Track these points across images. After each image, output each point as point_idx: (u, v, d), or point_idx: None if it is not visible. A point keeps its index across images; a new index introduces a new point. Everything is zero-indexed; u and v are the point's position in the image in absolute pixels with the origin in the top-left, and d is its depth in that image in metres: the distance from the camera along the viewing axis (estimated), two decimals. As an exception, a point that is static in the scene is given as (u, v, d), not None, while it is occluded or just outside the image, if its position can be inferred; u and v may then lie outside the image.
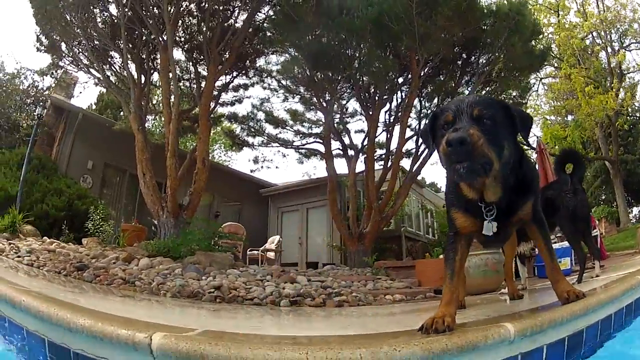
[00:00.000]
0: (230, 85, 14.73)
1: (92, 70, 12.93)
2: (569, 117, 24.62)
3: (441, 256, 10.82)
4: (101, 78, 12.69)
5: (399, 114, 13.51)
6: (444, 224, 13.79)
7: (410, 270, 10.54)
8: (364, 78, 13.52)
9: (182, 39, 13.36)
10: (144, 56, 12.63)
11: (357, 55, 12.82)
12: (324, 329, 3.64)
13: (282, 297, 5.81)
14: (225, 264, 8.09)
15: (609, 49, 23.24)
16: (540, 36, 15.36)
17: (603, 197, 32.07)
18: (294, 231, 18.39)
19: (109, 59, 12.97)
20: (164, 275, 6.47)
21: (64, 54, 13.08)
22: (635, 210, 32.46)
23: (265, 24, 13.23)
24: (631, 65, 24.45)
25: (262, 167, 17.18)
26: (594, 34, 23.34)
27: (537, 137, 19.82)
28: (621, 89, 22.44)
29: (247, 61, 14.38)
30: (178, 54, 13.49)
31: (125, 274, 6.44)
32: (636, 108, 25.84)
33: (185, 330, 2.28)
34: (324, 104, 13.96)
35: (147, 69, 12.72)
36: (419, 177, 17.15)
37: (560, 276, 2.88)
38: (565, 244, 7.80)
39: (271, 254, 14.82)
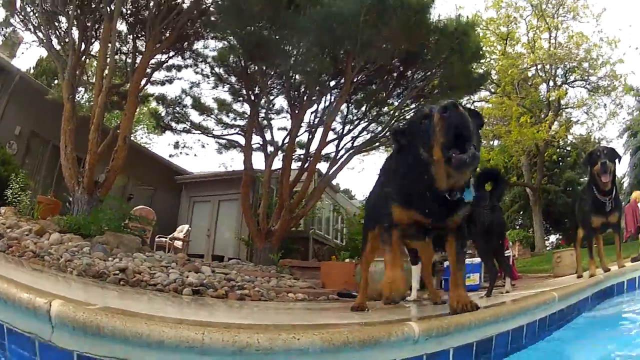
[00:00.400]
0: (164, 65, 14.21)
1: (38, 32, 12.26)
2: (495, 142, 25.10)
3: (347, 260, 10.71)
4: (44, 40, 12.06)
5: (325, 116, 13.26)
6: (353, 230, 13.74)
7: (315, 271, 10.71)
8: (297, 76, 13.24)
9: (129, 12, 12.78)
10: (89, 24, 12.06)
11: (295, 52, 12.45)
12: (224, 318, 3.57)
13: (185, 285, 5.77)
14: (133, 247, 7.93)
15: (551, 83, 23.75)
16: (482, 60, 15.47)
17: (520, 222, 33.46)
18: (204, 222, 17.97)
19: (56, 23, 12.23)
20: (72, 253, 6.22)
21: (17, 11, 12.35)
22: (552, 237, 33.80)
23: (211, 8, 12.64)
24: (571, 101, 25.09)
25: (181, 152, 16.62)
26: (539, 66, 23.69)
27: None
28: (556, 122, 22.98)
29: (186, 43, 13.87)
30: (121, 27, 12.92)
31: (36, 247, 6.19)
32: (568, 142, 26.67)
33: (86, 305, 2.14)
34: (252, 97, 13.62)
35: (89, 38, 12.18)
36: (334, 182, 16.99)
37: (460, 283, 3.03)
38: (476, 259, 8.11)
39: (179, 243, 14.58)
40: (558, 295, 3.56)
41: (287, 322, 3.49)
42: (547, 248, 25.80)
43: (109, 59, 10.92)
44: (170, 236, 14.08)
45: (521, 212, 31.45)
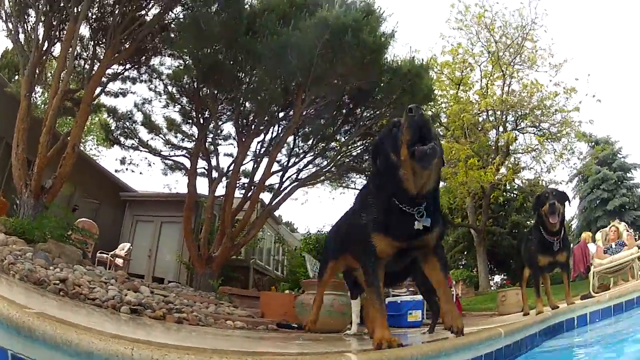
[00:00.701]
0: (120, 76, 14.03)
1: (9, 22, 11.93)
2: (440, 184, 25.33)
3: (287, 291, 10.59)
4: (12, 32, 11.80)
5: (271, 147, 13.22)
6: (294, 263, 13.67)
7: (254, 300, 10.75)
8: (247, 104, 13.20)
9: (94, 16, 12.59)
10: (54, 22, 11.82)
11: (248, 80, 12.49)
12: (161, 338, 3.53)
13: (123, 303, 5.66)
14: (74, 258, 7.86)
15: (501, 128, 24.09)
16: (432, 102, 15.62)
17: (463, 262, 34.04)
18: (146, 242, 17.63)
19: (26, 16, 11.98)
20: (15, 256, 6.16)
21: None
22: (497, 277, 34.31)
23: (172, 25, 12.64)
24: (520, 147, 25.49)
25: (127, 169, 16.22)
26: (490, 112, 24.09)
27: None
28: (503, 166, 23.25)
29: (144, 57, 13.72)
30: (85, 31, 12.70)
31: (-20, 245, 6.05)
32: (515, 186, 27.06)
33: (23, 306, 2.15)
34: (201, 120, 13.45)
35: (52, 37, 11.91)
36: (277, 214, 16.88)
37: (454, 310, 3.19)
38: (418, 297, 8.20)
39: (119, 261, 14.43)
40: (504, 331, 3.54)
41: (224, 347, 3.39)
42: (492, 288, 26.12)
43: (68, 62, 10.82)
44: (112, 253, 13.90)
45: (465, 252, 32.00)
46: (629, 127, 75.90)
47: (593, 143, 30.05)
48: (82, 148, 27.09)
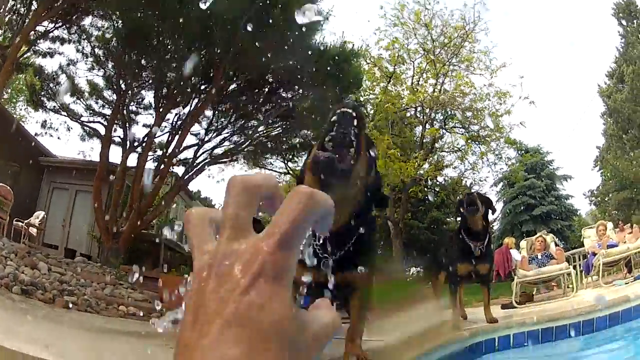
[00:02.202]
0: (50, 35, 13.69)
1: None
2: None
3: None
4: None
5: (188, 120, 12.92)
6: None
7: (156, 282, 9.90)
8: (170, 74, 12.86)
9: None
10: None
11: (171, 48, 12.14)
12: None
13: (17, 282, 5.57)
14: None
15: (428, 126, 24.12)
16: (358, 90, 15.60)
17: (379, 252, 33.74)
18: (61, 211, 16.88)
19: None
20: None
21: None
22: (413, 269, 34.79)
23: None
24: (446, 145, 25.80)
25: (46, 132, 15.79)
26: (418, 108, 24.24)
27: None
28: (426, 162, 23.43)
29: (75, 15, 13.30)
30: None
31: None
32: (437, 183, 27.37)
33: None
34: (123, 86, 13.10)
35: None
36: (195, 190, 16.62)
37: (357, 337, 2.91)
38: None
39: (34, 230, 13.62)
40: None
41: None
42: (408, 280, 26.50)
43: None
44: (26, 221, 13.20)
45: (381, 243, 32.40)
46: (561, 138, 78.63)
47: (522, 151, 30.71)
48: (11, 109, 26.30)
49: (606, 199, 33.92)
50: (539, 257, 9.53)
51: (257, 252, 0.40)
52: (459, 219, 6.18)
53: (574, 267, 9.82)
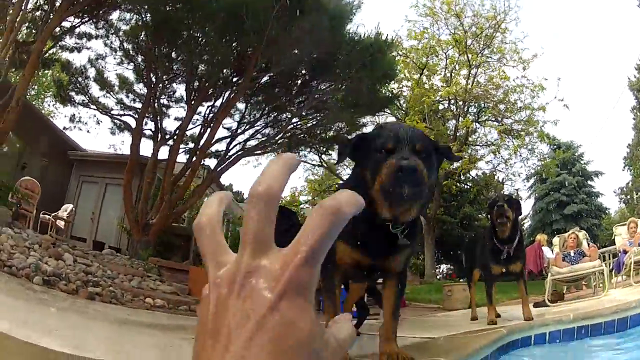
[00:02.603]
0: (76, 30, 13.63)
1: None
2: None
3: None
4: None
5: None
6: (235, 235, 13.33)
7: (185, 274, 10.07)
8: (201, 67, 12.71)
9: None
10: None
11: (201, 39, 11.96)
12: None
13: (38, 272, 5.46)
14: (3, 220, 7.59)
15: (461, 119, 23.63)
16: (392, 81, 15.33)
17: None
18: (90, 205, 16.97)
19: None
20: None
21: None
22: (443, 266, 34.43)
23: None
24: (479, 139, 25.50)
25: (75, 126, 15.91)
26: (452, 101, 23.94)
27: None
28: (460, 155, 22.99)
29: (102, 10, 13.16)
30: None
31: None
32: (469, 178, 27.01)
33: None
34: (153, 79, 12.94)
35: None
36: (227, 183, 16.51)
37: (393, 337, 2.82)
38: None
39: (61, 223, 13.85)
40: None
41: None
42: (438, 277, 26.12)
43: (21, 12, 10.61)
44: (53, 214, 13.32)
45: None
46: (592, 133, 77.54)
47: (555, 146, 30.20)
48: (39, 105, 26.57)
49: (635, 197, 33.30)
50: (572, 254, 9.28)
51: (283, 268, 0.40)
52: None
53: (605, 266, 9.47)
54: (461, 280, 15.36)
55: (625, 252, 9.72)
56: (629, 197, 34.26)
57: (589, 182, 33.95)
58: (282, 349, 0.37)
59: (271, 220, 0.42)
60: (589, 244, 9.75)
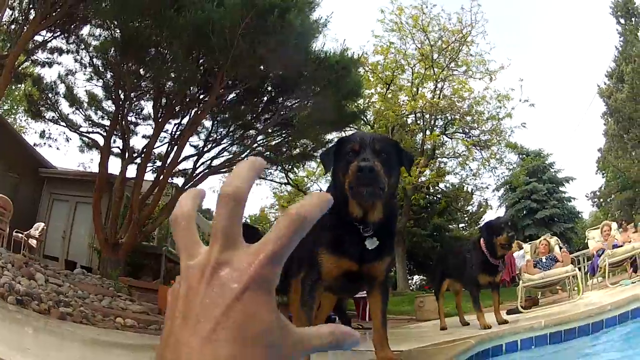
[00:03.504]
0: (48, 45, 13.70)
1: None
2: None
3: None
4: None
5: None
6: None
7: (155, 293, 10.04)
8: (168, 83, 12.81)
9: None
10: None
11: (168, 57, 12.02)
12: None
13: (12, 291, 5.52)
14: None
15: (428, 132, 23.98)
16: (358, 98, 15.50)
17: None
18: (61, 223, 16.79)
19: None
20: None
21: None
22: (416, 277, 34.63)
23: None
24: (447, 151, 25.74)
25: (45, 143, 15.79)
26: (418, 114, 24.08)
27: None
28: (427, 168, 23.33)
29: (73, 25, 13.27)
30: None
31: None
32: (438, 190, 27.25)
33: None
34: (122, 97, 13.00)
35: None
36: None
37: (386, 343, 3.08)
38: None
39: (33, 242, 13.49)
40: None
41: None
42: (411, 289, 26.28)
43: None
44: (25, 233, 13.03)
45: None
46: (564, 140, 78.56)
47: (523, 155, 30.62)
48: (12, 119, 26.33)
49: (609, 200, 33.84)
50: (544, 260, 9.44)
51: (249, 263, 0.43)
52: (479, 237, 6.54)
53: (579, 270, 9.70)
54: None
55: (599, 255, 9.99)
56: (601, 200, 34.84)
57: (560, 189, 34.34)
58: (243, 336, 0.41)
59: (239, 218, 0.46)
60: (560, 249, 9.97)
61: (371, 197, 2.74)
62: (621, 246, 9.80)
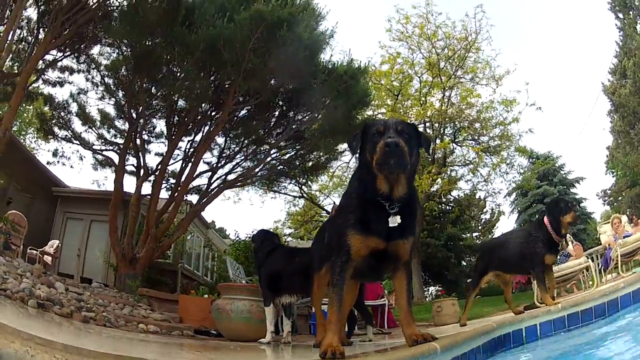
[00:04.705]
0: (58, 64, 13.77)
1: None
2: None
3: (206, 295, 10.31)
4: None
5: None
6: (222, 268, 13.39)
7: (175, 305, 10.03)
8: (180, 102, 12.99)
9: None
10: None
11: (181, 75, 12.15)
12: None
13: (32, 296, 5.47)
14: None
15: (438, 141, 23.95)
16: (367, 107, 15.57)
17: None
18: (75, 241, 17.02)
19: None
20: None
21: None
22: (432, 288, 34.46)
23: (115, 13, 12.19)
24: (457, 159, 25.76)
25: (58, 162, 15.81)
26: (427, 124, 24.17)
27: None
28: (439, 177, 23.37)
29: (83, 44, 13.40)
30: (33, 14, 12.55)
31: None
32: (451, 199, 27.21)
33: None
34: (134, 115, 13.14)
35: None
36: (209, 219, 16.61)
37: (412, 321, 3.23)
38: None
39: (48, 258, 13.72)
40: (440, 346, 3.15)
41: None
42: (427, 299, 26.18)
43: (8, 40, 10.55)
44: (40, 250, 13.24)
45: None
46: (572, 140, 78.28)
47: (534, 158, 30.58)
48: (22, 140, 26.51)
49: (619, 198, 33.72)
50: (558, 257, 9.50)
51: None
52: (545, 217, 6.41)
53: (592, 264, 9.68)
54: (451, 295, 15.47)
55: (611, 248, 9.97)
56: (612, 198, 34.73)
57: (571, 190, 34.29)
58: None
59: None
60: (573, 244, 9.99)
61: (398, 168, 2.91)
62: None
